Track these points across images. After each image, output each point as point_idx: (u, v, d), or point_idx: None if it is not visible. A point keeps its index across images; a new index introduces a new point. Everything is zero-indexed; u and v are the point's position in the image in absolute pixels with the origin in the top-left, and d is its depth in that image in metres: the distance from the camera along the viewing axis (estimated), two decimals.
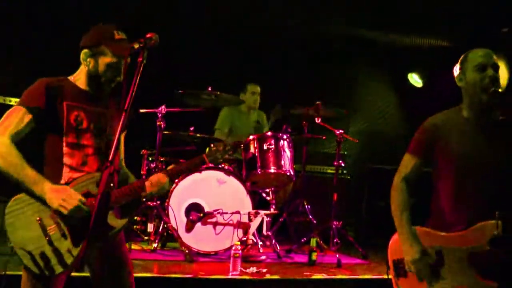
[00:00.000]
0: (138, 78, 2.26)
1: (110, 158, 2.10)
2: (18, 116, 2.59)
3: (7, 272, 2.90)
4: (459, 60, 2.96)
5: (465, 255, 2.71)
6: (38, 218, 2.55)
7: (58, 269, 2.53)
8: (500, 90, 2.76)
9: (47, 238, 2.53)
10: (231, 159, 5.70)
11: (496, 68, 2.84)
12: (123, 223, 2.72)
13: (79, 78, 2.80)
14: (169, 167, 2.93)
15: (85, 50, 2.74)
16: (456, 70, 2.96)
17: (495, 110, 2.86)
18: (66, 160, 2.67)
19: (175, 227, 4.88)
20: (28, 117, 2.60)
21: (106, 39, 2.71)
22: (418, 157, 2.99)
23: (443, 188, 2.92)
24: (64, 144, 2.67)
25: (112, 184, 2.11)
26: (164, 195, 4.94)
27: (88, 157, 2.72)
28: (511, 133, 2.82)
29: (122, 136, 2.97)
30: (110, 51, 2.70)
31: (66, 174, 2.66)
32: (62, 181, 2.64)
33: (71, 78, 2.81)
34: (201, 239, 4.98)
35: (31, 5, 6.23)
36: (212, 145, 3.20)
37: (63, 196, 2.51)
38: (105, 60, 2.72)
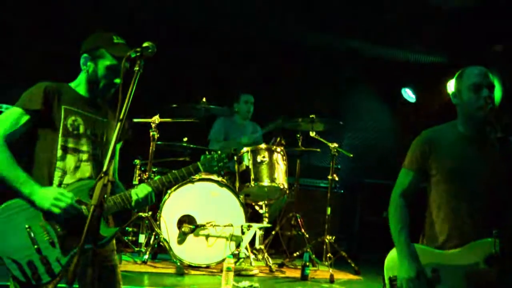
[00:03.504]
0: (134, 87, 2.24)
1: (105, 168, 2.06)
2: (14, 116, 2.61)
3: None
4: (455, 77, 2.95)
5: (461, 272, 2.69)
6: (27, 226, 2.52)
7: (46, 278, 2.50)
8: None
9: (35, 247, 2.50)
10: (226, 170, 5.65)
11: (491, 88, 2.82)
12: (113, 233, 2.70)
13: (79, 84, 2.83)
14: (155, 178, 2.90)
15: (85, 55, 2.79)
16: (451, 87, 2.94)
17: (490, 127, 2.84)
18: (59, 163, 2.66)
19: (167, 239, 4.82)
20: (24, 118, 2.62)
21: (105, 43, 2.76)
22: (414, 171, 2.97)
23: (438, 204, 2.90)
24: (58, 147, 2.66)
25: (106, 195, 2.07)
26: (156, 206, 4.89)
27: (81, 162, 2.72)
28: (508, 150, 2.80)
29: (118, 147, 2.96)
30: (109, 54, 2.74)
31: (58, 178, 2.65)
32: (53, 185, 2.62)
33: (71, 84, 2.84)
34: (193, 251, 4.92)
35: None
36: (207, 153, 3.18)
37: (55, 195, 2.50)
38: (104, 63, 2.76)
